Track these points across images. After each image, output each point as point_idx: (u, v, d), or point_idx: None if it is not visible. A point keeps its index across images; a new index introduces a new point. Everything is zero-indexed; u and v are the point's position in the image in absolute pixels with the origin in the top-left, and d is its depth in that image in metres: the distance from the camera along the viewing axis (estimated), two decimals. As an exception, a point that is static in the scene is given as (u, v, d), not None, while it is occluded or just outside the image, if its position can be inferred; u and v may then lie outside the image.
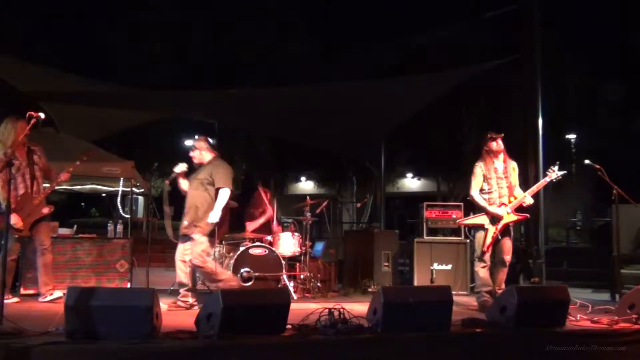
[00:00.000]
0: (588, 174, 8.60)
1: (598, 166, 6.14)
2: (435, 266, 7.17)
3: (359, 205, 22.55)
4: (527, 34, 7.48)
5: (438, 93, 9.30)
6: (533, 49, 7.43)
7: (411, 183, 26.98)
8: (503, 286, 5.58)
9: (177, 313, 5.02)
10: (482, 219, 5.62)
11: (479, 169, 5.69)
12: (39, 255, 5.44)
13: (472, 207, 5.88)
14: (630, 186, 6.31)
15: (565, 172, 5.52)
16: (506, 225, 5.57)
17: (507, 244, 5.62)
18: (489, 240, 5.54)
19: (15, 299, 5.36)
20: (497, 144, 5.64)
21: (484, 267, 5.58)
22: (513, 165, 5.73)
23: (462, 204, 7.60)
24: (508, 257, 5.64)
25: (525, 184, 6.10)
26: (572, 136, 21.28)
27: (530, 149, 7.33)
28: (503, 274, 5.65)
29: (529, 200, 5.57)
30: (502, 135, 5.68)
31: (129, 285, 6.42)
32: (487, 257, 5.58)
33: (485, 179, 5.64)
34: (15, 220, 5.11)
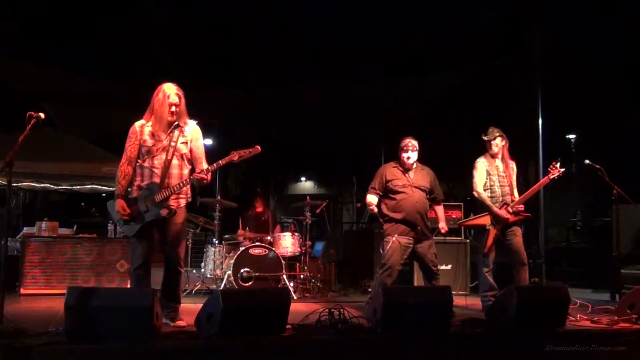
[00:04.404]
0: (588, 174, 8.59)
1: (598, 166, 6.10)
2: (436, 266, 7.14)
3: (358, 205, 22.53)
4: (526, 35, 7.49)
5: (438, 93, 9.31)
6: (532, 49, 7.44)
7: (411, 183, 26.92)
8: None
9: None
10: (483, 220, 5.41)
11: (482, 164, 5.47)
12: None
13: (473, 208, 5.73)
14: (630, 186, 6.30)
15: (564, 169, 5.38)
16: (510, 225, 5.38)
17: (518, 242, 5.39)
18: (490, 241, 5.35)
19: None
20: (496, 144, 5.45)
21: (487, 271, 5.39)
22: (512, 166, 5.55)
23: (462, 204, 7.59)
24: (524, 255, 5.40)
25: (525, 184, 6.06)
26: (572, 136, 21.29)
27: (530, 149, 7.33)
28: (525, 274, 5.34)
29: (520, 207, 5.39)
30: (500, 134, 5.46)
31: (129, 285, 6.42)
32: (490, 260, 5.38)
33: (488, 175, 5.43)
34: (120, 206, 4.14)
